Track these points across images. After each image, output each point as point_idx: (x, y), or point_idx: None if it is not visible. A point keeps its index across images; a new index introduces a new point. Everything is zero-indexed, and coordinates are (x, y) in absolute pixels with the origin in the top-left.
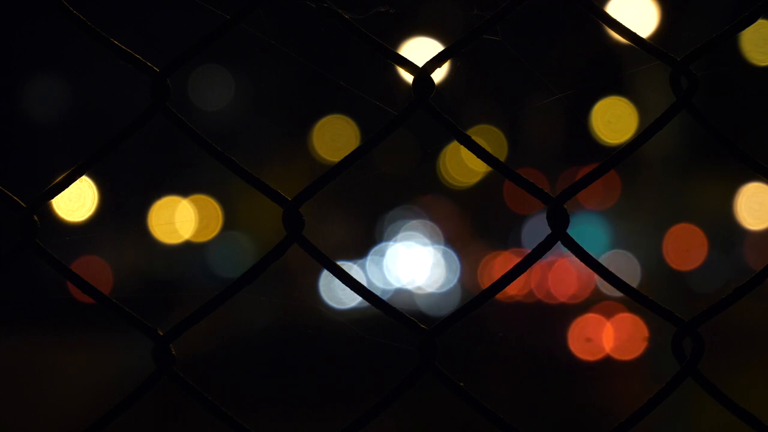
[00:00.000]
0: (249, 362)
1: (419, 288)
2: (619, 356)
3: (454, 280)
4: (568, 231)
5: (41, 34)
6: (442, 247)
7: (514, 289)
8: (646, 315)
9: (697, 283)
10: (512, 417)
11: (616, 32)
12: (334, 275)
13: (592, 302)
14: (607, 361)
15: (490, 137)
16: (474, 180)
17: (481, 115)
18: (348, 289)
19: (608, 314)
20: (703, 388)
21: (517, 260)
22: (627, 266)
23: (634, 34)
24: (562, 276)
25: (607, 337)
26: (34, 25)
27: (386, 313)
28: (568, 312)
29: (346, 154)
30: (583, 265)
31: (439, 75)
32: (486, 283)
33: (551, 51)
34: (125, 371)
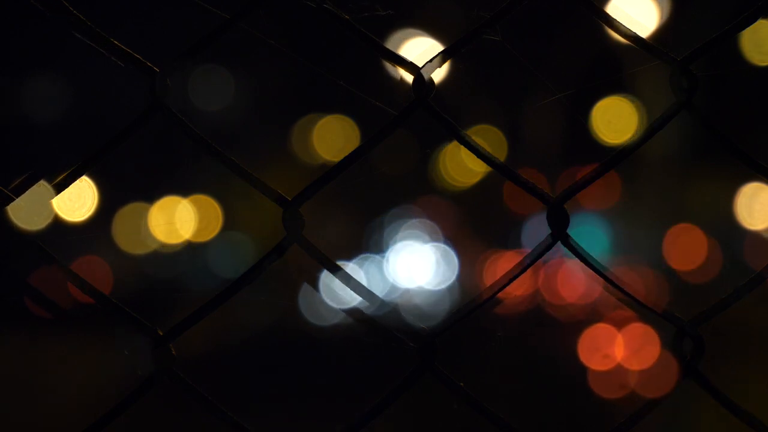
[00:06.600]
0: (248, 363)
1: (419, 288)
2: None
3: (454, 280)
4: (568, 231)
5: (41, 34)
6: (442, 246)
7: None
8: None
9: (699, 284)
10: (512, 417)
11: (616, 32)
12: (333, 275)
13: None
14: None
15: (490, 137)
16: (474, 180)
17: (481, 115)
18: (348, 289)
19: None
20: (703, 388)
21: (517, 260)
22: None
23: (634, 33)
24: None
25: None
26: (34, 25)
27: (386, 314)
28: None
29: (346, 154)
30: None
31: (439, 75)
32: (486, 283)
33: (551, 51)
34: (125, 371)
